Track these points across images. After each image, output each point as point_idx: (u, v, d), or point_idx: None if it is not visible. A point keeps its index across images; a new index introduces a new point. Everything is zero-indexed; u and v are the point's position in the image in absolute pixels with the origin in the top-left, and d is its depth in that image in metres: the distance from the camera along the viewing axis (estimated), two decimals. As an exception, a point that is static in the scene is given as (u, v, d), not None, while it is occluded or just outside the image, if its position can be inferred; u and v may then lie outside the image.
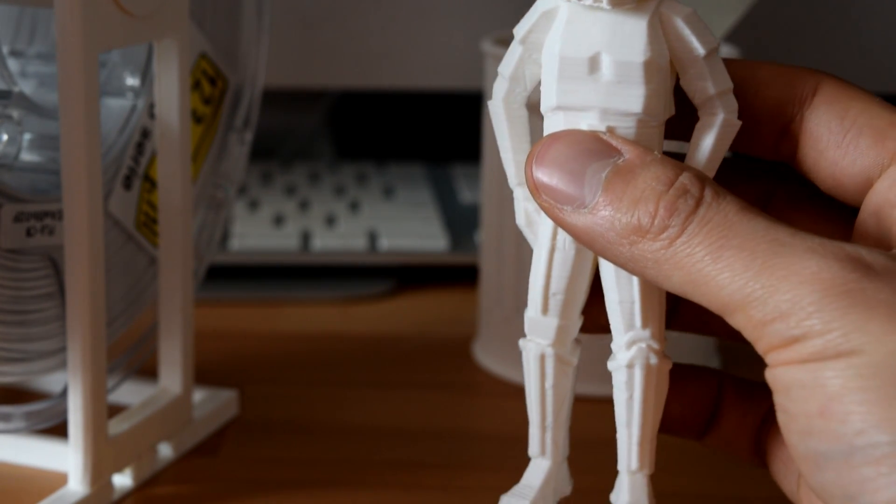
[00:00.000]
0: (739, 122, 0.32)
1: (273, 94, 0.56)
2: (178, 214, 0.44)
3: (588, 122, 0.31)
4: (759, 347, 0.29)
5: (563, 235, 0.33)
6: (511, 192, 0.34)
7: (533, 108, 0.33)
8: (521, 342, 0.34)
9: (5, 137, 0.42)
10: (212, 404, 0.48)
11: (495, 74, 0.54)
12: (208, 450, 0.46)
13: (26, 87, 0.44)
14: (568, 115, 0.32)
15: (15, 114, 0.42)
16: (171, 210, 0.44)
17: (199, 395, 0.48)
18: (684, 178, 0.30)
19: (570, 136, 0.31)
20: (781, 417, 0.29)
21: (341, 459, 0.46)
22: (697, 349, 0.53)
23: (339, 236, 0.64)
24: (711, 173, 0.32)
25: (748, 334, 0.29)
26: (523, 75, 0.33)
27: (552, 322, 0.34)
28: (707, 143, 0.32)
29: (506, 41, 0.54)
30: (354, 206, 0.68)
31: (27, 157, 0.43)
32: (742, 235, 0.29)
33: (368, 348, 0.56)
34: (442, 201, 0.70)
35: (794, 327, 0.28)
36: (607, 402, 0.34)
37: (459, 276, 0.62)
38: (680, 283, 0.29)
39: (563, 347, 0.34)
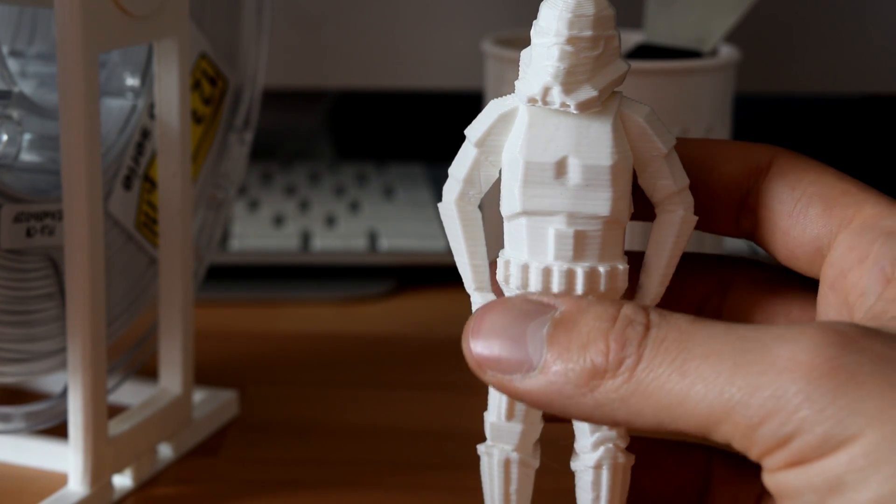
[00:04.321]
0: (696, 218, 0.32)
1: (273, 94, 0.56)
2: (178, 214, 0.44)
3: (555, 226, 0.31)
4: (753, 454, 0.27)
5: None
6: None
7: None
8: (483, 448, 0.34)
9: (5, 137, 0.42)
10: (212, 404, 0.48)
11: (495, 75, 0.54)
12: (208, 450, 0.46)
13: (26, 87, 0.44)
14: (533, 219, 0.31)
15: (15, 114, 0.42)
16: (171, 210, 0.44)
17: (199, 396, 0.48)
18: (626, 310, 0.29)
19: (499, 305, 0.30)
20: None
21: (341, 460, 0.46)
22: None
23: (339, 236, 0.64)
24: (672, 269, 0.32)
25: (738, 444, 0.27)
26: (478, 177, 0.32)
27: (516, 427, 0.33)
28: (668, 240, 0.32)
29: (506, 41, 0.54)
30: (354, 206, 0.68)
31: (27, 157, 0.43)
32: (703, 342, 0.27)
33: (368, 348, 0.56)
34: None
35: (786, 424, 0.26)
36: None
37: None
38: (654, 414, 0.28)
39: (526, 451, 0.34)
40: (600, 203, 0.31)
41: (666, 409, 0.27)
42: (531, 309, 0.30)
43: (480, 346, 0.30)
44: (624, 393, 0.28)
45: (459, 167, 0.33)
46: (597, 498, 0.33)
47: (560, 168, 0.31)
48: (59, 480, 0.42)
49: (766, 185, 0.33)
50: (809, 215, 0.32)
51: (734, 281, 0.35)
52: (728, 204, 0.34)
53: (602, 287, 0.32)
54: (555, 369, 0.29)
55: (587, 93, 0.31)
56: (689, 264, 0.35)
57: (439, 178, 0.74)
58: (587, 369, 0.28)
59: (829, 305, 0.32)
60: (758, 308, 0.34)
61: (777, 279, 0.35)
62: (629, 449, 0.33)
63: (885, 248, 0.30)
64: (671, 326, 0.28)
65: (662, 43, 0.55)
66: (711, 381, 0.27)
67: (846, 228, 0.31)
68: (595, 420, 0.29)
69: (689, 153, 0.33)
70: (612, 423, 0.29)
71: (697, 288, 0.35)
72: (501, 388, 0.30)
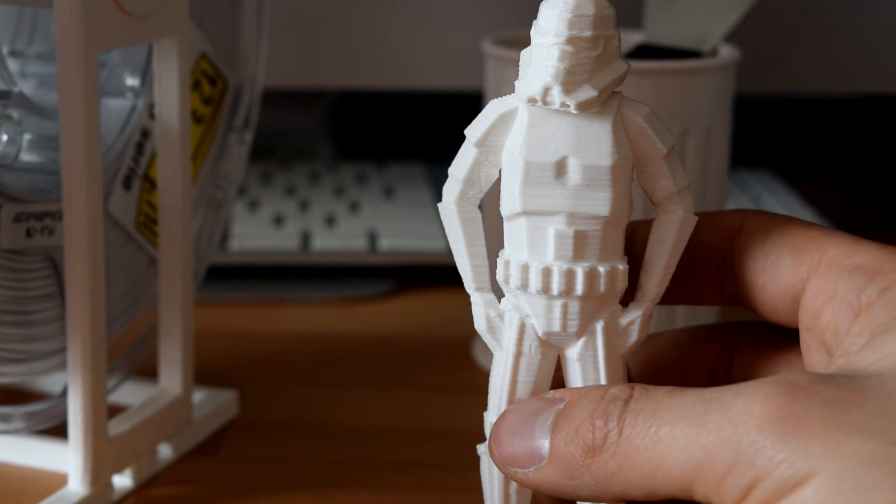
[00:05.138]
0: (696, 218, 0.33)
1: (273, 94, 0.56)
2: (178, 214, 0.44)
3: (555, 226, 0.31)
4: None
5: (529, 340, 0.33)
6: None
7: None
8: (483, 448, 0.34)
9: (5, 137, 0.42)
10: (212, 404, 0.48)
11: (495, 75, 0.54)
12: (208, 450, 0.46)
13: (26, 87, 0.44)
14: (533, 219, 0.32)
15: (15, 114, 0.42)
16: (171, 210, 0.44)
17: (199, 396, 0.48)
18: (612, 389, 0.30)
19: (514, 407, 0.32)
20: None
21: (341, 460, 0.46)
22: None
23: (339, 236, 0.64)
24: (672, 269, 0.33)
25: (713, 500, 0.28)
26: (478, 177, 0.32)
27: None
28: (668, 240, 0.33)
29: (506, 41, 0.54)
30: (354, 206, 0.68)
31: (27, 157, 0.43)
32: (673, 410, 0.29)
33: (368, 348, 0.56)
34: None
35: (745, 474, 0.27)
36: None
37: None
38: (642, 483, 0.29)
39: None
40: (600, 203, 0.31)
41: (650, 475, 0.29)
42: (540, 406, 0.31)
43: (500, 447, 0.32)
44: (613, 466, 0.29)
45: (459, 167, 0.33)
46: None
47: (560, 168, 0.31)
48: (59, 480, 0.42)
49: (739, 246, 0.34)
50: (781, 267, 0.33)
51: (739, 345, 0.36)
52: (708, 273, 0.34)
53: (602, 287, 0.32)
54: (557, 455, 0.30)
55: (587, 93, 0.31)
56: (696, 336, 0.36)
57: (439, 178, 0.74)
58: (580, 448, 0.30)
59: (809, 349, 0.32)
60: (760, 365, 0.35)
61: (777, 335, 0.35)
62: None
63: (850, 283, 0.31)
64: (648, 398, 0.29)
65: (662, 43, 0.55)
66: (681, 443, 0.28)
67: (815, 272, 0.32)
68: (598, 499, 0.30)
69: None
70: (614, 500, 0.30)
71: (705, 358, 0.36)
72: (523, 483, 0.31)
